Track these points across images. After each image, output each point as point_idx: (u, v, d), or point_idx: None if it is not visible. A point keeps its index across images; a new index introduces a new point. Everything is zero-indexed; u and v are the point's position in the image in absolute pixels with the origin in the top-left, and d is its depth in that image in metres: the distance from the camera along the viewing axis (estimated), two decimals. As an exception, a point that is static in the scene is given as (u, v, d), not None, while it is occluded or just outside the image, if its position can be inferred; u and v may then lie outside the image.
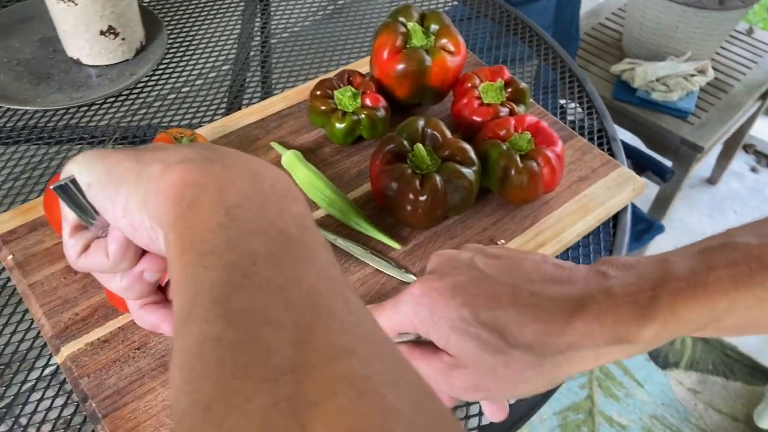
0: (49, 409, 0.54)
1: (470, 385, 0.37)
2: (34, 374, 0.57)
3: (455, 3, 1.02)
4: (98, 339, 0.56)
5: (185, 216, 0.28)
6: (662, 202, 1.73)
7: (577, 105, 0.84)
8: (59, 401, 0.55)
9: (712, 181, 2.17)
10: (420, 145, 0.60)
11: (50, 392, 0.56)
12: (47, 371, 0.57)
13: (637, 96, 1.60)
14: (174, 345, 0.24)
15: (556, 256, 0.66)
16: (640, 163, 1.53)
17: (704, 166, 2.17)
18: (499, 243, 0.63)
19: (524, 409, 0.56)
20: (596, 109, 0.83)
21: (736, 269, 0.35)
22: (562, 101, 0.86)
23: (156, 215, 0.30)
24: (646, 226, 1.55)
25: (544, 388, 0.37)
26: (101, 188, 0.32)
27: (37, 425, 0.53)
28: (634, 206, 1.60)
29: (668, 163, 1.64)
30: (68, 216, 0.36)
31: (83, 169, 0.33)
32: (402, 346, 0.40)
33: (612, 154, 0.76)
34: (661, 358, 1.72)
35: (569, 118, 0.84)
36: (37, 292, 0.58)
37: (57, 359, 0.55)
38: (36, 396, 0.55)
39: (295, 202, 0.30)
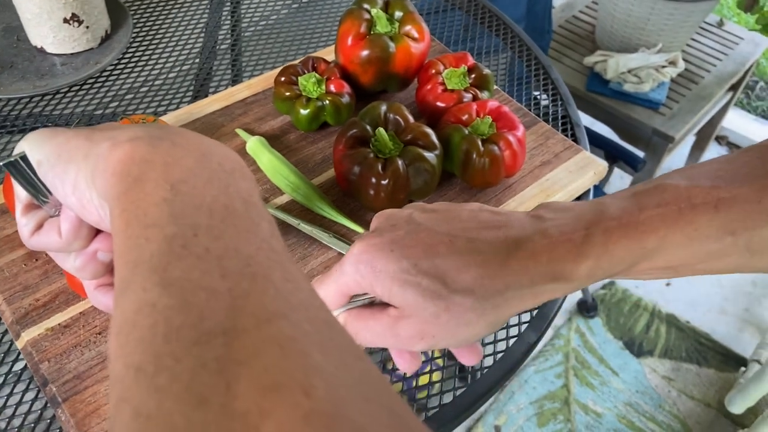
0: (19, 403, 0.54)
1: (416, 334, 0.38)
2: (3, 369, 0.56)
3: (426, -7, 1.03)
4: (59, 324, 0.55)
5: (131, 191, 0.28)
6: (635, 193, 1.74)
7: (542, 92, 0.85)
8: (30, 396, 0.55)
9: (685, 172, 2.19)
10: (382, 130, 0.61)
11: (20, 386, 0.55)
12: (17, 366, 0.56)
13: (610, 87, 1.62)
14: (113, 315, 0.25)
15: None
16: (612, 154, 1.55)
17: (678, 157, 2.20)
18: None
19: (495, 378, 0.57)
20: (561, 96, 0.84)
21: (666, 209, 0.37)
22: (536, 93, 0.87)
23: (104, 191, 0.30)
24: (618, 215, 1.56)
25: (486, 331, 0.39)
26: (51, 166, 0.33)
27: (7, 419, 0.53)
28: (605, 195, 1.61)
29: (641, 153, 1.66)
30: (20, 194, 0.36)
31: (34, 146, 0.34)
32: (354, 310, 0.41)
33: (575, 140, 0.77)
34: (636, 347, 1.74)
35: (543, 110, 0.85)
36: (-2, 278, 0.58)
37: (18, 344, 0.55)
38: (6, 390, 0.55)
39: (242, 179, 0.30)
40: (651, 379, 1.67)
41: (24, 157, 0.33)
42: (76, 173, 0.31)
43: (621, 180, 2.08)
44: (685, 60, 1.67)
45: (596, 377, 1.68)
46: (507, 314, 0.38)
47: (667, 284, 1.91)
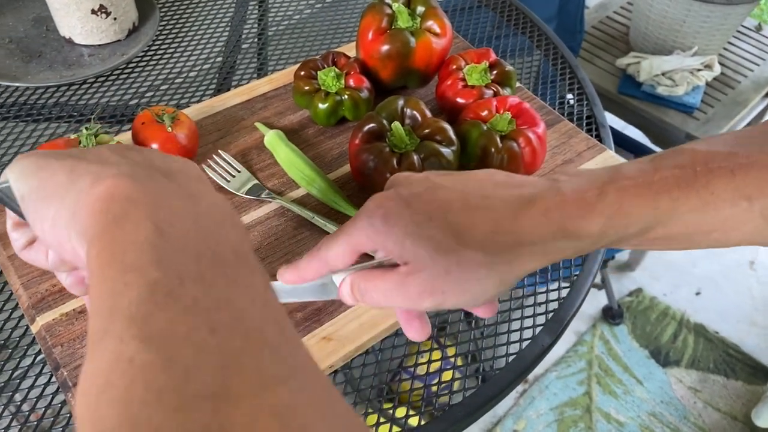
0: (32, 387, 0.55)
1: (425, 289, 0.38)
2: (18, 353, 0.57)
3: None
4: (74, 310, 0.56)
5: (109, 230, 0.26)
6: (666, 199, 1.71)
7: (567, 91, 0.84)
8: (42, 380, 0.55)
9: (719, 179, 2.14)
10: (398, 124, 0.60)
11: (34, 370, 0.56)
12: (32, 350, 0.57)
13: (643, 90, 1.58)
14: (83, 368, 0.22)
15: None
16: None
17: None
18: None
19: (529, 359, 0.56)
20: (587, 95, 0.82)
21: (682, 171, 0.36)
22: (569, 97, 0.85)
23: (82, 230, 0.28)
24: (647, 221, 1.53)
25: (496, 289, 0.38)
26: (32, 201, 0.32)
27: (18, 403, 0.54)
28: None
29: (672, 158, 1.63)
30: (9, 212, 0.36)
31: (20, 178, 0.33)
32: (362, 271, 0.41)
33: (600, 140, 0.75)
34: (662, 356, 1.71)
35: (568, 109, 0.83)
36: (16, 263, 0.59)
37: (32, 328, 0.55)
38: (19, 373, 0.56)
39: (233, 227, 0.29)
40: (676, 390, 1.63)
41: (8, 187, 0.33)
42: (56, 211, 0.30)
43: (652, 185, 2.04)
44: (721, 64, 1.63)
45: (620, 386, 1.65)
46: (517, 272, 0.38)
47: (697, 293, 1.86)
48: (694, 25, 1.56)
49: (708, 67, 1.58)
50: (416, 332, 0.44)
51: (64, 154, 0.32)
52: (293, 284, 0.45)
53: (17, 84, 0.77)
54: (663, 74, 1.57)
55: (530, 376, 1.66)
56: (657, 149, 1.56)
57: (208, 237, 0.26)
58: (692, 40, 1.59)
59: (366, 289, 0.41)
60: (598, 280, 1.76)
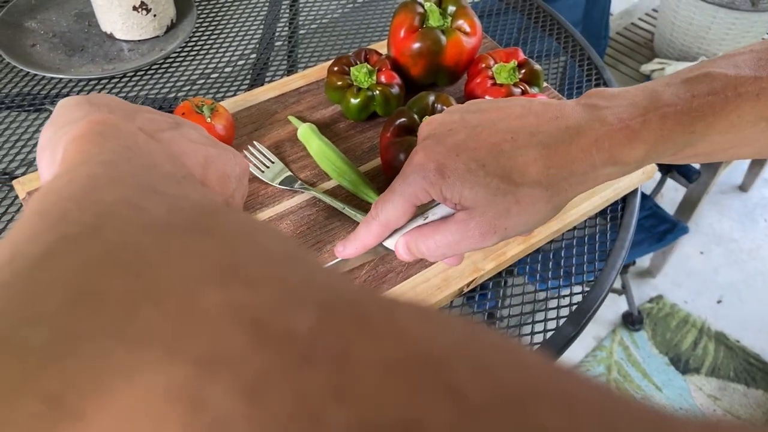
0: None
1: (489, 229, 0.40)
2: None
3: (482, -6, 1.04)
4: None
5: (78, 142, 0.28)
6: (689, 205, 1.71)
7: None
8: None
9: (743, 187, 2.13)
10: (428, 118, 0.62)
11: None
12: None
13: (667, 96, 1.59)
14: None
15: (562, 235, 0.67)
16: (666, 164, 1.52)
17: (736, 172, 2.14)
18: None
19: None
20: (612, 97, 0.83)
21: (715, 97, 0.39)
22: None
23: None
24: (669, 226, 1.54)
25: (552, 214, 0.41)
26: (40, 150, 0.34)
27: None
28: (657, 207, 1.59)
29: (696, 164, 1.62)
30: None
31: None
32: (415, 230, 0.43)
33: (625, 140, 0.76)
34: (682, 363, 1.70)
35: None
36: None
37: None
38: None
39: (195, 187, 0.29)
40: (696, 398, 1.63)
41: None
42: (51, 153, 0.32)
43: (675, 192, 2.04)
44: (746, 71, 1.63)
45: (639, 392, 1.65)
46: (571, 197, 0.41)
47: (719, 301, 1.85)
48: (719, 32, 1.56)
49: (733, 74, 1.58)
50: (452, 261, 0.47)
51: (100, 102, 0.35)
52: (358, 254, 0.46)
53: (61, 76, 0.80)
54: (688, 81, 1.58)
55: (548, 380, 1.66)
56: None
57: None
58: (717, 46, 1.59)
59: (427, 246, 0.43)
60: (618, 285, 1.76)
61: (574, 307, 0.62)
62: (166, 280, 0.15)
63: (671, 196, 2.06)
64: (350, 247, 0.46)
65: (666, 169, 1.54)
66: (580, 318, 0.61)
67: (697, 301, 1.85)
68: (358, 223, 0.64)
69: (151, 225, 0.18)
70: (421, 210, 0.45)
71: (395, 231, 0.46)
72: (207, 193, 0.31)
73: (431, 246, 0.42)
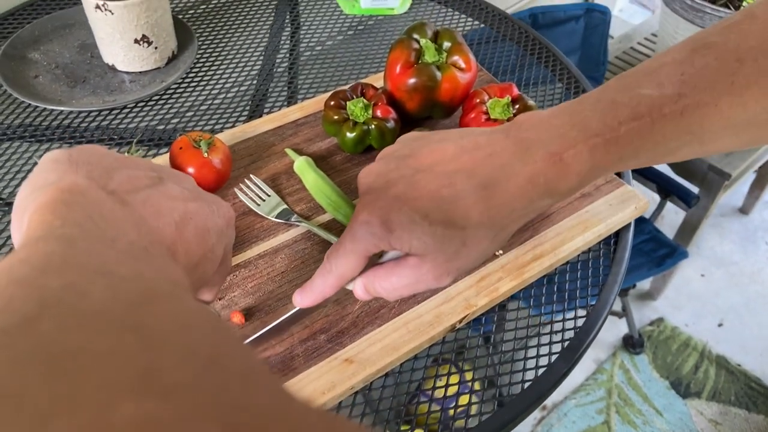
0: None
1: (442, 272, 0.43)
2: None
3: (481, 25, 1.05)
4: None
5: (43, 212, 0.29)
6: (688, 229, 1.71)
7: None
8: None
9: (744, 210, 2.13)
10: (422, 155, 0.63)
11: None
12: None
13: (666, 121, 1.59)
14: None
15: (555, 269, 0.68)
16: (665, 188, 1.53)
17: (736, 194, 2.14)
18: (497, 254, 0.65)
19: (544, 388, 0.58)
20: (607, 129, 0.84)
21: (641, 122, 0.40)
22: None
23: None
24: (669, 251, 1.54)
25: (500, 246, 0.45)
26: (13, 212, 0.34)
27: None
28: (657, 231, 1.59)
29: (695, 189, 1.63)
30: None
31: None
32: (371, 271, 0.45)
33: (618, 174, 0.77)
34: (683, 387, 1.69)
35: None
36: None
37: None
38: None
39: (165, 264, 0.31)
40: (697, 422, 1.62)
41: None
42: (19, 219, 0.33)
43: (676, 215, 2.04)
44: (745, 96, 1.63)
45: (639, 416, 1.64)
46: (513, 229, 0.43)
47: (720, 325, 1.85)
48: (718, 58, 1.57)
49: (732, 99, 1.59)
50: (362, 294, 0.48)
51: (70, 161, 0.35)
52: (314, 304, 0.48)
53: (62, 108, 0.81)
54: (687, 105, 1.58)
55: (549, 403, 1.66)
56: (680, 180, 1.56)
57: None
58: (716, 72, 1.60)
59: (383, 286, 0.44)
60: (618, 308, 1.76)
61: (567, 343, 0.62)
62: (85, 386, 0.15)
63: (672, 219, 2.06)
64: (307, 299, 0.47)
65: (665, 194, 1.54)
66: (572, 354, 0.61)
67: (698, 325, 1.84)
68: (352, 258, 0.64)
69: (88, 315, 0.19)
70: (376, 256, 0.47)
71: None
72: (165, 265, 0.31)
73: (387, 287, 0.44)
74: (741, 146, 0.44)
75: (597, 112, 0.42)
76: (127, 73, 0.88)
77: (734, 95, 0.40)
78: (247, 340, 0.55)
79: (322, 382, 0.55)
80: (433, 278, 0.43)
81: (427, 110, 0.75)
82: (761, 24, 0.42)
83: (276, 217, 0.68)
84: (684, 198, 1.49)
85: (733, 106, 0.40)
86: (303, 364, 0.56)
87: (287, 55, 0.97)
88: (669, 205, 1.59)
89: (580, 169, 0.41)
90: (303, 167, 0.71)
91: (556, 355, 0.61)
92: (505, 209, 0.41)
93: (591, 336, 0.63)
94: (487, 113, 0.72)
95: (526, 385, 0.59)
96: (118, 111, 0.84)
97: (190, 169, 0.66)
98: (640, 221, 1.59)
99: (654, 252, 1.53)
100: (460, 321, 0.61)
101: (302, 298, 0.48)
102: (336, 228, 0.67)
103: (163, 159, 0.72)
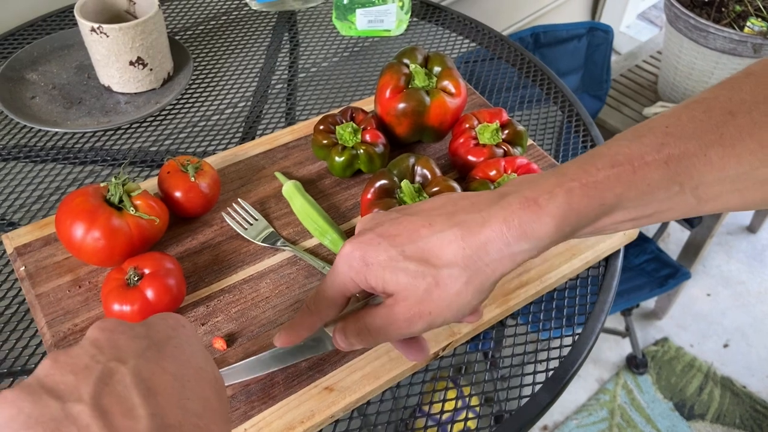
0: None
1: (413, 314, 0.42)
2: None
3: (477, 46, 1.05)
4: (93, 349, 0.59)
5: None
6: (692, 249, 1.69)
7: (581, 148, 0.85)
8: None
9: (751, 229, 2.11)
10: (407, 182, 0.63)
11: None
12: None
13: (669, 140, 1.58)
14: None
15: (541, 297, 0.67)
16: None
17: (743, 213, 2.12)
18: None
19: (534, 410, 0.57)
20: (600, 153, 0.83)
21: (621, 168, 0.40)
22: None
23: None
24: (672, 271, 1.52)
25: (477, 298, 0.42)
26: None
27: None
28: (660, 251, 1.57)
29: (699, 208, 1.61)
30: None
31: None
32: (349, 315, 0.45)
33: (610, 199, 0.77)
34: (687, 409, 1.67)
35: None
36: (43, 302, 0.62)
37: (54, 366, 0.59)
38: None
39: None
40: (701, 445, 1.60)
41: None
42: None
43: (682, 233, 2.02)
44: (750, 115, 1.62)
45: (642, 437, 1.62)
46: (491, 278, 0.42)
47: (725, 345, 1.83)
48: (722, 77, 1.56)
49: (736, 118, 1.58)
50: (416, 354, 0.48)
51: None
52: (292, 344, 0.48)
53: (57, 129, 0.82)
54: (690, 124, 1.57)
55: (550, 424, 1.64)
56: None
57: None
58: (720, 91, 1.59)
59: (356, 327, 0.44)
60: (622, 327, 1.74)
61: (551, 373, 0.62)
62: None
63: (678, 236, 2.04)
64: (285, 338, 0.48)
65: (668, 213, 1.53)
66: (555, 385, 0.60)
67: (703, 345, 1.82)
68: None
69: None
70: (362, 303, 0.48)
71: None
72: None
73: (360, 328, 0.44)
74: (753, 205, 0.42)
75: (575, 162, 0.42)
76: (122, 94, 0.89)
77: (725, 146, 0.39)
78: (226, 369, 0.55)
79: (302, 411, 0.55)
80: (404, 320, 0.42)
81: (417, 135, 0.75)
82: (756, 79, 0.41)
83: (262, 242, 0.68)
84: (686, 218, 1.48)
85: (725, 157, 0.39)
86: (283, 392, 0.56)
87: (283, 75, 0.97)
88: (673, 223, 1.58)
89: (555, 212, 0.40)
90: (291, 191, 0.71)
91: (540, 386, 0.61)
92: (480, 251, 0.41)
93: (575, 366, 0.62)
94: (476, 138, 0.72)
95: (523, 401, 0.59)
96: (113, 132, 0.85)
97: (177, 193, 0.66)
98: (643, 240, 1.58)
99: (656, 272, 1.52)
100: (444, 348, 0.61)
101: (281, 338, 0.49)
102: (322, 253, 0.67)
103: (154, 181, 0.72)
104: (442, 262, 0.41)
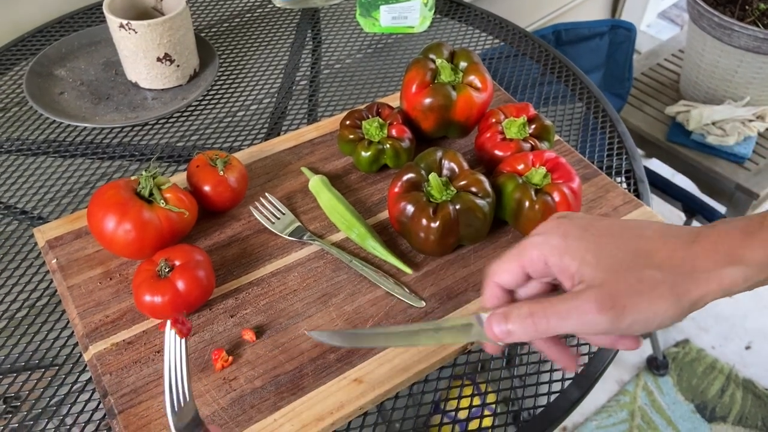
0: (81, 412, 0.58)
1: (606, 303, 0.39)
2: (85, 376, 0.61)
3: (501, 43, 1.05)
4: (123, 340, 0.60)
5: None
6: (715, 249, 1.67)
7: (608, 144, 0.85)
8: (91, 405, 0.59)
9: (774, 230, 2.08)
10: (435, 175, 0.63)
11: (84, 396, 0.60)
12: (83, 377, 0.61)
13: (692, 139, 1.57)
14: None
15: (569, 292, 0.67)
16: (690, 207, 1.50)
17: (766, 214, 2.09)
18: None
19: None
20: (626, 150, 0.83)
21: None
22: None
23: None
24: (694, 271, 1.50)
25: (673, 310, 0.40)
26: None
27: (82, 425, 0.57)
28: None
29: (722, 208, 1.60)
30: None
31: None
32: (535, 299, 0.42)
33: (638, 195, 0.76)
34: (708, 411, 1.65)
35: (606, 162, 0.85)
36: (75, 294, 0.63)
37: (85, 356, 0.59)
38: (84, 397, 0.59)
39: None
40: (723, 448, 1.58)
41: None
42: None
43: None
44: (774, 114, 1.60)
45: (663, 439, 1.60)
46: (695, 295, 0.40)
47: (747, 347, 1.80)
48: (746, 76, 1.54)
49: (760, 118, 1.56)
50: (568, 361, 0.46)
51: None
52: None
53: (85, 124, 0.83)
54: (713, 123, 1.56)
55: (569, 425, 1.63)
56: (705, 199, 1.54)
57: None
58: (744, 90, 1.58)
59: (529, 311, 0.41)
60: (642, 328, 1.72)
61: (581, 368, 0.61)
62: None
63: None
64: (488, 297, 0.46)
65: (690, 213, 1.52)
66: (586, 381, 0.60)
67: (724, 347, 1.80)
68: (364, 277, 0.64)
69: None
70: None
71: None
72: None
73: (535, 311, 0.40)
74: None
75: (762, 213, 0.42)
76: (149, 90, 0.90)
77: None
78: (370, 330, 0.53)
79: (331, 402, 0.55)
80: (595, 307, 0.39)
81: (443, 130, 0.75)
82: None
83: (289, 235, 0.68)
84: (709, 217, 1.47)
85: None
86: (312, 383, 0.56)
87: (307, 72, 0.98)
88: (694, 224, 1.57)
89: (766, 239, 0.40)
90: (318, 186, 0.72)
91: (570, 381, 0.60)
92: (688, 265, 0.40)
93: (606, 362, 0.62)
94: (502, 133, 0.72)
95: (545, 402, 0.58)
96: (140, 128, 0.85)
97: (206, 187, 0.67)
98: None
99: (679, 272, 1.50)
100: (473, 342, 0.61)
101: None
102: (349, 247, 0.68)
103: (182, 176, 0.73)
104: (650, 263, 0.40)
